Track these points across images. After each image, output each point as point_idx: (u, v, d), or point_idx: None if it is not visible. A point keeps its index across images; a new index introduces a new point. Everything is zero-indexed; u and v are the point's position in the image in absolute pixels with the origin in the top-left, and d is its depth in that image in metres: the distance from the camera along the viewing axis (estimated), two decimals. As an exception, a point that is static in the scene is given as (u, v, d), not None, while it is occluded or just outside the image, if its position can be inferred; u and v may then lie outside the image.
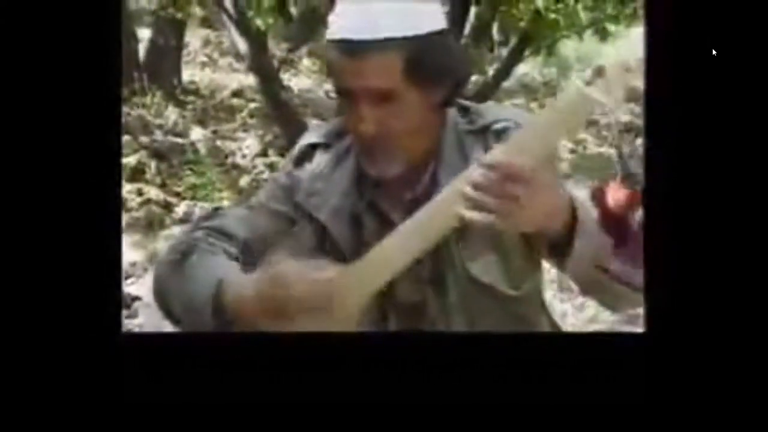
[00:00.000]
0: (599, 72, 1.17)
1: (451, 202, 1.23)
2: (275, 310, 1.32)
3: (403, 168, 1.43)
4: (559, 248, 1.29)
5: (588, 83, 1.18)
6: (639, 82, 1.16)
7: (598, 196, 1.30)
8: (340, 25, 1.38)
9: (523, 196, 1.16)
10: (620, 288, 1.30)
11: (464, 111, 1.50)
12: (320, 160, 1.56)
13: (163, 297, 1.51)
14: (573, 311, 4.20)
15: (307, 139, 1.60)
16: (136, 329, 3.85)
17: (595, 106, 1.18)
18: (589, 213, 1.30)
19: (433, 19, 1.38)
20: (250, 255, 1.51)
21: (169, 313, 1.50)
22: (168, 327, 1.52)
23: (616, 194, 1.29)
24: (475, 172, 1.19)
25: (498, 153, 1.21)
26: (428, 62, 1.36)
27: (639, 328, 3.69)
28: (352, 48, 1.35)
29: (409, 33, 1.34)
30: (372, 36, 1.34)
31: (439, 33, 1.38)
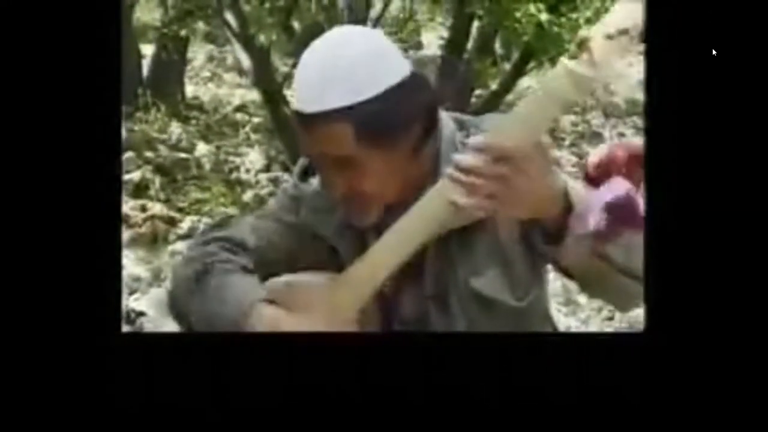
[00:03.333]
0: (583, 45, 1.16)
1: (441, 192, 1.23)
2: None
3: (381, 215, 1.41)
4: (554, 237, 1.27)
5: (573, 57, 1.16)
6: (622, 51, 1.15)
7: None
8: (295, 94, 1.37)
9: (512, 178, 1.15)
10: (623, 280, 1.28)
11: (461, 124, 1.48)
12: None
13: (182, 315, 1.53)
14: (577, 325, 4.19)
15: None
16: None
17: (582, 81, 1.16)
18: (585, 199, 1.26)
19: (390, 73, 1.35)
20: (263, 263, 1.52)
21: (188, 327, 1.52)
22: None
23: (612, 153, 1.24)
24: (462, 157, 1.18)
25: (486, 136, 1.20)
26: (386, 121, 1.33)
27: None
28: (304, 119, 1.35)
29: (358, 99, 1.31)
30: (318, 108, 1.32)
31: (399, 85, 1.34)
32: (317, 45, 1.37)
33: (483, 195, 1.17)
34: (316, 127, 1.34)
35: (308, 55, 1.37)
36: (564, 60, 1.17)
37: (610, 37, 1.14)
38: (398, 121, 1.35)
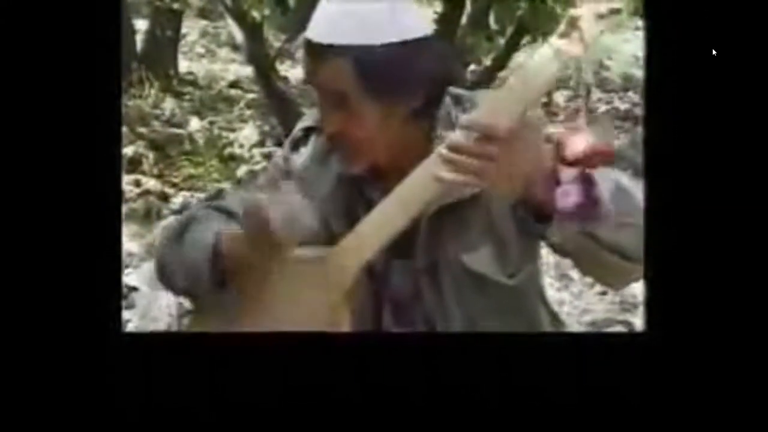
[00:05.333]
0: (572, 23, 1.16)
1: (429, 168, 1.24)
2: (263, 248, 1.35)
3: (366, 167, 1.44)
4: (544, 215, 1.25)
5: (562, 36, 1.17)
6: (613, 30, 1.15)
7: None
8: (311, 23, 1.39)
9: (499, 156, 1.15)
10: (611, 258, 1.27)
11: (457, 100, 1.48)
12: (315, 144, 1.57)
13: (167, 278, 1.53)
14: (570, 299, 4.20)
15: (304, 122, 1.62)
16: (134, 318, 3.84)
17: (568, 59, 1.16)
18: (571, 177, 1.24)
19: (406, 29, 1.37)
20: None
21: (171, 285, 1.53)
22: (164, 317, 1.52)
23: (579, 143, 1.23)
24: (451, 135, 1.19)
25: (474, 115, 1.21)
26: (389, 72, 1.35)
27: (636, 318, 3.71)
28: (311, 48, 1.38)
29: (368, 42, 1.35)
30: (325, 40, 1.36)
31: (412, 43, 1.37)
32: None
33: (469, 173, 1.17)
34: (322, 59, 1.37)
35: None
36: (553, 39, 1.17)
37: (601, 16, 1.15)
38: (402, 77, 1.37)
